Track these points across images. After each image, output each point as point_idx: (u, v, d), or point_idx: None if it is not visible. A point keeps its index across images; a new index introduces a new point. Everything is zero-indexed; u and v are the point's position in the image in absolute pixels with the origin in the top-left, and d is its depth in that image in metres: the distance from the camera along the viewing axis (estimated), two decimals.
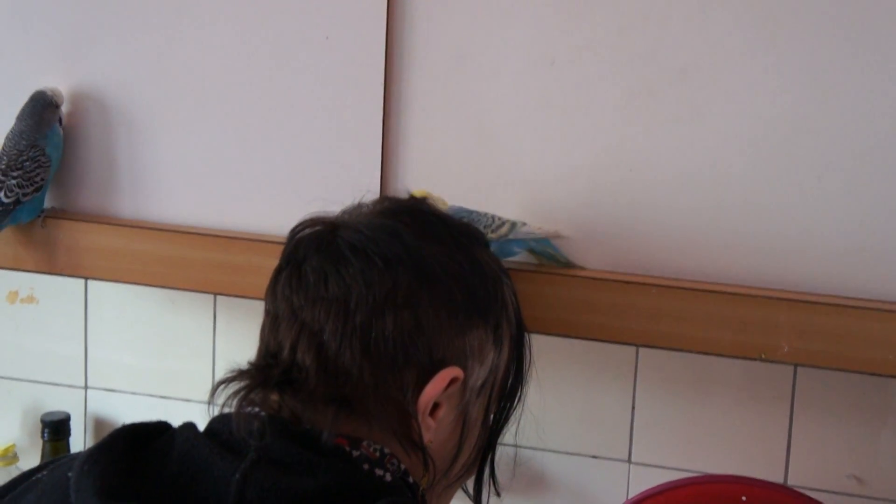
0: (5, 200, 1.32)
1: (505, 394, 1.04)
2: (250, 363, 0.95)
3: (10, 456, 1.64)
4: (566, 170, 1.24)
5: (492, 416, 1.03)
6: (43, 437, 1.65)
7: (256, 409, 0.89)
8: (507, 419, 1.05)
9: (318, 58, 1.29)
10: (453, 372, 0.94)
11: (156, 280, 1.35)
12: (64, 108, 1.36)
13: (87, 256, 1.37)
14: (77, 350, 1.73)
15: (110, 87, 1.36)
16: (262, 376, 0.90)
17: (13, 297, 1.74)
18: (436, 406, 0.95)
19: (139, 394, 1.70)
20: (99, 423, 1.73)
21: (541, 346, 1.26)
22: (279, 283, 0.95)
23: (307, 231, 0.97)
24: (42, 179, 1.33)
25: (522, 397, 1.06)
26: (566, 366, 1.48)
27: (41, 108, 1.33)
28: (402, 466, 0.93)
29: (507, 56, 1.24)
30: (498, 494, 1.08)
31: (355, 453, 0.89)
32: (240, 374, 0.92)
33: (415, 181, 1.28)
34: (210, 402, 0.91)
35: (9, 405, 1.76)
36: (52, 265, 1.38)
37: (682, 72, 1.20)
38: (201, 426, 0.93)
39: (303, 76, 1.30)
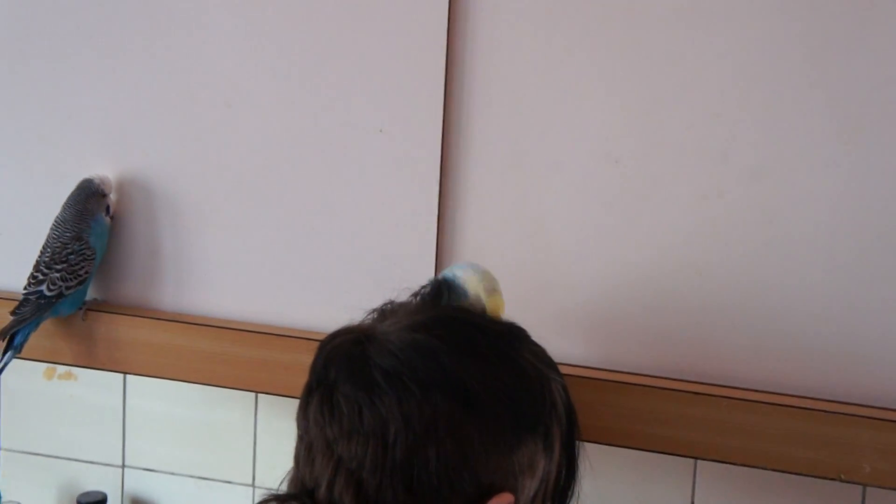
0: (48, 294, 1.26)
1: (559, 492, 0.96)
2: (286, 494, 0.89)
3: None
4: (629, 272, 1.17)
5: None
6: None
7: None
8: None
9: (372, 151, 1.23)
10: (504, 499, 0.87)
11: (197, 377, 1.30)
12: (112, 197, 1.30)
13: (128, 351, 1.31)
14: (115, 428, 1.67)
15: (157, 177, 1.30)
16: None
17: (51, 373, 1.68)
18: None
19: (178, 474, 1.64)
20: None
21: (593, 452, 1.20)
22: (311, 406, 0.88)
23: (337, 344, 0.90)
24: (86, 273, 1.27)
25: (576, 493, 0.98)
26: (619, 472, 1.40)
27: (85, 198, 1.27)
28: None
29: (569, 153, 1.18)
30: None
31: None
32: (277, 500, 0.87)
33: None
34: None
35: (45, 483, 1.70)
36: (91, 359, 1.32)
37: (755, 172, 1.13)
38: None
39: (356, 169, 1.24)
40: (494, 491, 0.87)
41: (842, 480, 1.09)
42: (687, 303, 1.17)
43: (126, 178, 1.32)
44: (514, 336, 0.95)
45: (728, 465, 1.21)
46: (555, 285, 1.20)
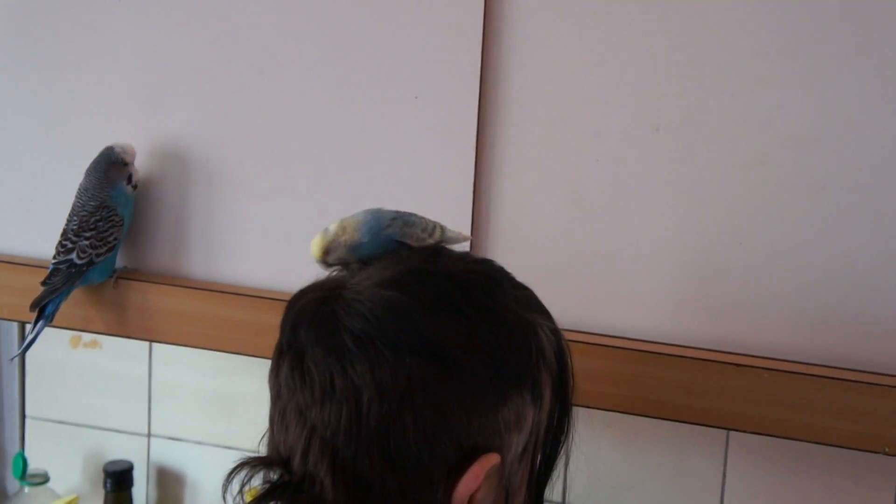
0: (78, 262, 1.23)
1: (551, 438, 0.91)
2: (262, 458, 0.85)
3: None
4: (668, 242, 1.14)
5: (536, 469, 0.91)
6: (105, 487, 1.59)
7: None
8: (553, 467, 0.93)
9: (406, 118, 1.19)
10: (489, 461, 0.83)
11: (228, 346, 1.27)
12: (139, 165, 1.27)
13: (158, 319, 1.29)
14: (140, 397, 1.65)
15: (187, 145, 1.27)
16: (274, 486, 0.82)
17: (76, 341, 1.66)
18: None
19: (204, 443, 1.62)
20: (162, 473, 1.66)
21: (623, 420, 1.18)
22: (282, 369, 0.84)
23: (305, 303, 0.85)
24: (115, 239, 1.25)
25: (570, 436, 0.93)
26: (652, 442, 1.38)
27: (106, 166, 1.24)
28: None
29: (608, 120, 1.14)
30: None
31: None
32: (251, 466, 0.83)
33: (505, 246, 1.19)
34: (224, 492, 0.83)
35: (70, 451, 1.69)
36: (121, 327, 1.30)
37: (799, 140, 1.10)
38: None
39: (390, 136, 1.20)
40: (479, 452, 0.82)
41: (886, 454, 1.06)
42: (728, 273, 1.14)
43: (156, 146, 1.29)
44: (493, 283, 0.87)
45: (761, 437, 1.19)
46: (593, 254, 1.17)
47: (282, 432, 0.84)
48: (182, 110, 1.26)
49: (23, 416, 1.71)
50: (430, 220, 0.96)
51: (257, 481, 0.85)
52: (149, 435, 1.66)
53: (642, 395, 1.13)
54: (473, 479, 0.82)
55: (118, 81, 1.28)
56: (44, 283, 1.25)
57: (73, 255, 1.23)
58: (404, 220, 0.93)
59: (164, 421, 1.66)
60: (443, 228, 0.97)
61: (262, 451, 0.88)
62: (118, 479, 1.59)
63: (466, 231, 1.19)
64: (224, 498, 0.83)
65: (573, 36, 1.13)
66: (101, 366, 1.67)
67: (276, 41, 1.22)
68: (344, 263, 0.91)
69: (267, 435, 0.88)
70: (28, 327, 1.61)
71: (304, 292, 0.87)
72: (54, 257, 1.25)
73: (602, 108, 1.14)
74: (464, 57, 1.16)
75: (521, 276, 1.13)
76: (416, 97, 1.18)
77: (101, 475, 1.60)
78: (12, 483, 1.72)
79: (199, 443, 1.62)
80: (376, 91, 1.20)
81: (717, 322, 1.14)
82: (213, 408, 1.62)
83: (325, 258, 0.91)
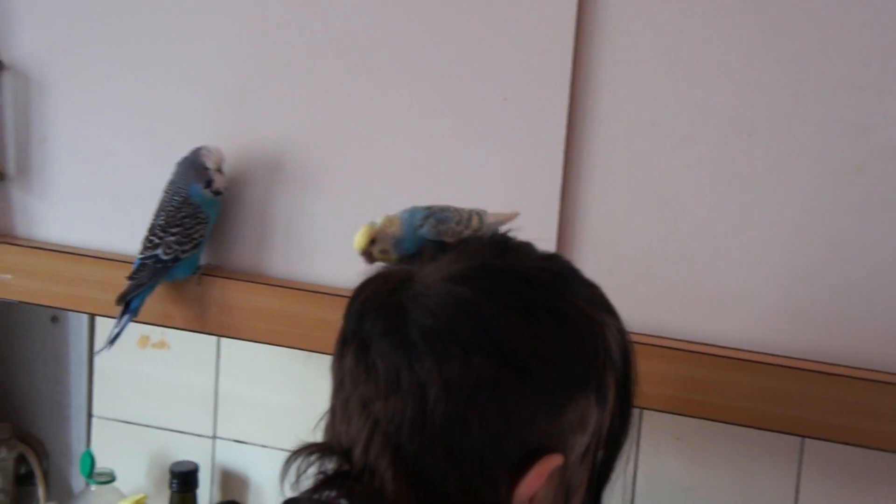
0: (164, 258, 1.23)
1: (612, 437, 0.90)
2: (322, 444, 0.85)
3: None
4: (759, 249, 1.12)
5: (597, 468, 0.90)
6: (171, 487, 1.59)
7: (332, 496, 0.80)
8: (613, 468, 0.91)
9: (495, 119, 1.18)
10: (552, 462, 0.81)
11: (310, 344, 1.26)
12: (218, 173, 1.26)
13: (239, 316, 1.27)
14: (207, 399, 1.65)
15: (273, 144, 1.27)
16: (334, 475, 0.81)
17: (145, 341, 1.66)
18: None
19: (269, 447, 1.61)
20: (226, 476, 1.66)
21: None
22: (346, 359, 0.83)
23: (372, 293, 0.84)
24: (200, 236, 1.24)
25: (630, 437, 0.91)
26: (720, 445, 1.36)
27: (190, 165, 1.24)
28: None
29: (699, 125, 1.13)
30: None
31: None
32: (310, 452, 0.83)
33: (591, 249, 1.17)
34: (283, 477, 0.82)
35: (136, 451, 1.68)
36: (202, 324, 1.29)
37: None
38: None
39: (478, 138, 1.19)
40: (542, 453, 0.81)
41: None
42: (818, 281, 1.12)
43: (242, 145, 1.29)
44: (562, 281, 0.85)
45: (836, 447, 1.17)
46: (681, 259, 1.16)
47: (344, 422, 0.83)
48: (269, 110, 1.26)
49: (89, 416, 1.70)
50: (465, 210, 0.95)
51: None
52: (214, 437, 1.66)
53: (728, 401, 1.12)
54: (536, 479, 0.81)
55: (206, 80, 1.28)
56: (130, 278, 1.24)
57: (160, 251, 1.23)
58: (437, 218, 0.92)
59: (230, 423, 1.65)
60: (481, 215, 0.96)
61: (319, 437, 0.87)
62: (184, 480, 1.58)
63: (552, 232, 1.17)
64: (282, 483, 0.83)
65: (666, 39, 1.12)
66: (169, 367, 1.66)
67: (365, 41, 1.21)
68: (387, 258, 0.90)
69: (326, 421, 0.87)
70: (98, 324, 1.62)
71: (370, 281, 0.86)
72: (141, 252, 1.25)
73: (693, 112, 1.13)
74: (555, 59, 1.15)
75: (606, 279, 1.11)
76: (504, 98, 1.17)
77: (167, 476, 1.60)
78: (78, 482, 1.72)
79: (264, 446, 1.61)
80: (465, 92, 1.19)
81: (804, 330, 1.12)
82: (277, 411, 1.61)
83: (371, 248, 0.90)
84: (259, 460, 1.63)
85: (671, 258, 1.16)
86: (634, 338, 1.08)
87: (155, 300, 1.29)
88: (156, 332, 1.66)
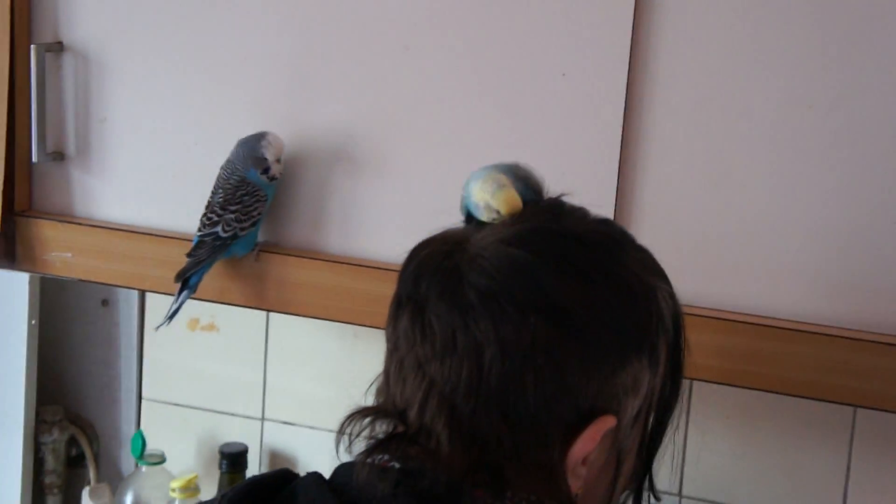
0: (223, 235, 1.24)
1: (664, 402, 0.90)
2: (377, 407, 0.85)
3: (193, 488, 1.57)
4: (820, 222, 1.12)
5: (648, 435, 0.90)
6: (221, 468, 1.60)
7: (384, 459, 0.81)
8: (664, 435, 0.91)
9: (553, 96, 1.18)
10: (606, 423, 0.81)
11: (367, 320, 1.26)
12: (275, 163, 1.26)
13: (297, 292, 1.28)
14: (255, 381, 1.66)
15: (330, 123, 1.27)
16: (390, 434, 0.82)
17: (194, 324, 1.67)
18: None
19: (317, 428, 1.62)
20: (275, 457, 1.66)
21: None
22: (400, 320, 0.83)
23: (427, 255, 0.85)
24: (258, 214, 1.25)
25: (680, 402, 0.91)
26: (772, 417, 1.37)
27: (250, 149, 1.25)
28: None
29: (759, 97, 1.13)
30: (658, 499, 0.95)
31: None
32: (364, 414, 0.83)
33: (650, 223, 1.17)
34: (338, 442, 0.83)
35: (185, 433, 1.69)
36: (259, 300, 1.30)
37: None
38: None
39: (536, 114, 1.19)
40: (596, 415, 0.81)
41: None
42: (876, 254, 1.12)
43: (297, 124, 1.29)
44: (616, 245, 0.86)
45: (888, 418, 1.17)
46: (738, 232, 1.15)
47: (398, 384, 0.84)
48: (326, 89, 1.26)
49: (139, 399, 1.71)
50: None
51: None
52: (262, 419, 1.66)
53: (784, 373, 1.12)
54: (590, 440, 0.81)
55: (263, 60, 1.28)
56: (189, 255, 1.25)
57: (219, 229, 1.24)
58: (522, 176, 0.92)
59: (278, 405, 1.66)
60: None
61: (370, 402, 0.88)
62: (234, 461, 1.59)
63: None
64: (337, 447, 0.83)
65: (723, 12, 1.12)
66: (218, 349, 1.67)
67: (423, 19, 1.21)
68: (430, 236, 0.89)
69: (378, 384, 0.88)
70: (148, 308, 1.63)
71: (425, 244, 0.87)
72: (199, 230, 1.26)
73: (752, 84, 1.12)
74: (613, 33, 1.15)
75: (664, 251, 1.11)
76: (563, 74, 1.17)
77: (216, 457, 1.61)
78: (127, 464, 1.73)
79: (312, 427, 1.62)
80: (524, 69, 1.19)
81: (869, 302, 1.12)
82: (325, 393, 1.61)
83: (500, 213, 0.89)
84: (307, 442, 1.64)
85: (728, 231, 1.16)
86: (692, 310, 1.09)
87: (211, 277, 1.30)
88: (205, 315, 1.67)
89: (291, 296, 1.28)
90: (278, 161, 1.25)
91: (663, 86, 1.16)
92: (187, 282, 1.27)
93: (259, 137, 1.24)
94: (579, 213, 0.90)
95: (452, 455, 0.80)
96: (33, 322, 1.65)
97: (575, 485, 0.83)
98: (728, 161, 1.15)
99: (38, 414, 1.69)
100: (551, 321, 0.80)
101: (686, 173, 1.17)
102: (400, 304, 0.85)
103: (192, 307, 1.63)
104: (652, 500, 0.95)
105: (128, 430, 1.74)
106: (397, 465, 0.81)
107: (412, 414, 0.82)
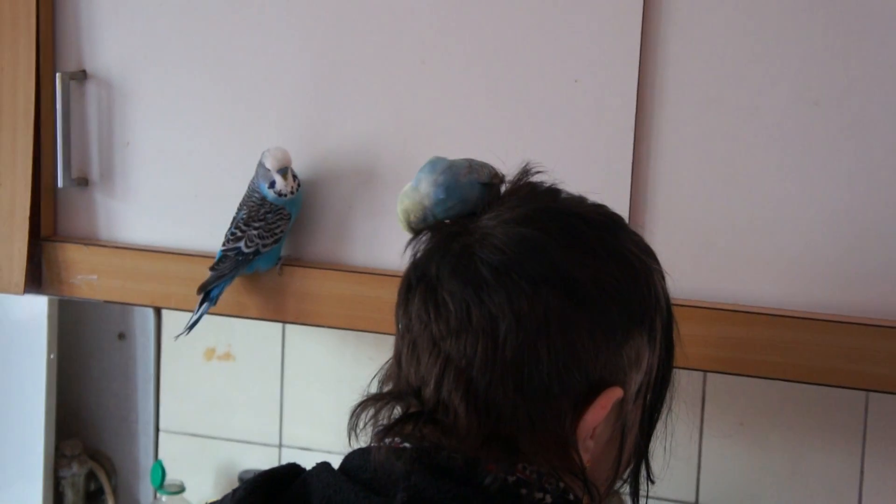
0: (245, 250, 1.24)
1: (658, 383, 0.91)
2: (389, 391, 0.86)
3: None
4: (829, 216, 1.14)
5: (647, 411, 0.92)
6: None
7: (398, 441, 0.82)
8: (658, 415, 0.93)
9: (566, 101, 1.20)
10: (614, 394, 0.83)
11: (391, 328, 1.26)
12: (302, 164, 1.28)
13: (318, 303, 1.28)
14: (272, 408, 1.65)
15: (349, 138, 1.28)
16: (405, 413, 0.82)
17: (210, 353, 1.67)
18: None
19: (335, 452, 1.61)
20: None
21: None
22: (412, 303, 0.84)
23: (433, 241, 0.87)
24: (281, 231, 1.26)
25: (674, 379, 0.93)
26: (777, 409, 1.39)
27: (258, 167, 1.26)
28: (561, 485, 0.82)
29: (766, 95, 1.15)
30: (653, 482, 0.95)
31: (510, 478, 0.80)
32: (376, 400, 0.84)
33: (664, 224, 1.18)
34: (350, 429, 0.84)
35: (203, 463, 1.69)
36: (280, 313, 1.30)
37: None
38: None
39: (552, 119, 1.21)
40: (604, 386, 0.83)
41: None
42: (890, 244, 1.13)
43: (318, 142, 1.30)
44: (616, 225, 0.88)
45: None
46: (753, 229, 1.17)
47: (412, 364, 0.84)
48: (345, 105, 1.28)
49: (157, 430, 1.71)
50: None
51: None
52: (280, 445, 1.66)
53: (800, 361, 1.13)
54: (601, 410, 0.82)
55: (283, 80, 1.30)
56: (212, 269, 1.26)
57: (242, 244, 1.25)
58: (472, 165, 0.92)
59: (295, 431, 1.66)
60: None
61: (372, 392, 0.88)
62: None
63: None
64: (350, 438, 0.85)
65: (728, 14, 1.14)
66: (234, 378, 1.67)
67: (438, 31, 1.23)
68: (428, 226, 0.90)
69: (387, 373, 0.89)
70: (164, 341, 1.63)
71: (426, 234, 0.89)
72: (223, 244, 1.26)
73: (760, 83, 1.15)
74: (624, 40, 1.17)
75: (679, 251, 1.14)
76: (576, 80, 1.19)
77: (235, 485, 1.59)
78: (146, 496, 1.72)
79: (329, 452, 1.61)
80: (538, 76, 1.21)
81: (876, 290, 1.13)
82: (342, 417, 1.60)
83: (409, 222, 0.90)
84: None
85: (741, 227, 1.17)
86: (707, 305, 1.11)
87: (231, 292, 1.30)
88: (221, 344, 1.67)
89: (311, 307, 1.29)
90: (285, 176, 1.25)
91: (672, 88, 1.18)
92: (209, 294, 1.27)
93: (263, 154, 1.25)
94: (577, 198, 0.92)
95: (470, 427, 0.81)
96: (52, 356, 1.65)
97: (584, 457, 0.84)
98: (738, 159, 1.17)
99: (57, 448, 1.68)
100: (563, 293, 0.81)
101: (697, 172, 1.18)
102: (410, 286, 0.86)
103: (207, 337, 1.64)
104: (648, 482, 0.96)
105: (146, 462, 1.73)
106: (408, 446, 0.82)
107: (428, 391, 0.82)
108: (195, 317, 1.27)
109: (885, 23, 1.11)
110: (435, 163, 0.92)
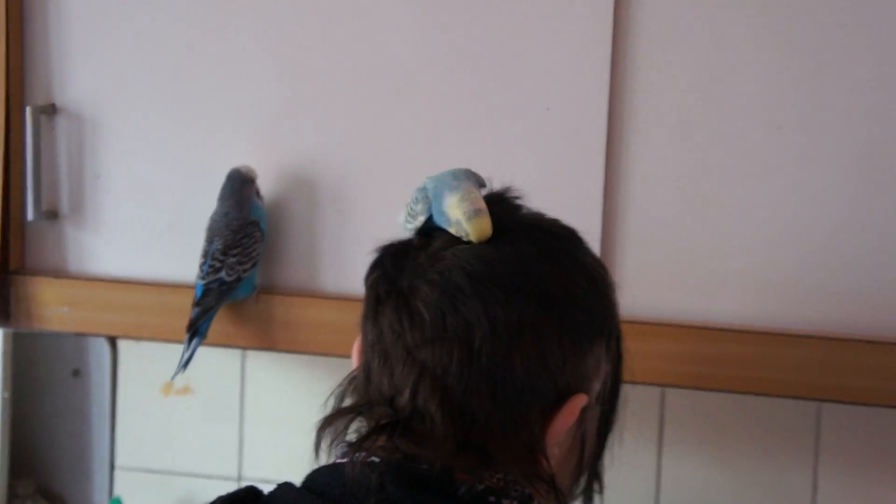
0: (227, 279, 1.24)
1: (611, 394, 0.94)
2: (356, 404, 0.87)
3: None
4: (796, 236, 1.18)
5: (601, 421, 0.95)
6: None
7: (363, 457, 0.82)
8: (614, 418, 0.96)
9: (537, 129, 1.23)
10: (581, 401, 0.85)
11: None
12: (267, 185, 1.28)
13: (305, 331, 1.28)
14: (231, 440, 1.64)
15: (315, 163, 1.29)
16: (377, 425, 0.82)
17: (168, 388, 1.65)
18: None
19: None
20: None
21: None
22: (382, 315, 0.85)
23: (396, 254, 0.89)
24: (258, 254, 1.26)
25: (621, 397, 0.96)
26: (735, 423, 1.42)
27: (240, 185, 1.26)
28: (527, 491, 0.83)
29: (731, 122, 1.19)
30: (600, 493, 0.97)
31: (479, 486, 0.80)
32: (342, 414, 0.85)
33: (636, 251, 1.22)
34: (317, 447, 0.85)
35: (162, 499, 1.66)
36: (268, 341, 1.29)
37: None
38: None
39: (521, 148, 1.24)
40: (570, 393, 0.85)
41: None
42: (856, 262, 1.18)
43: (284, 165, 1.30)
44: (576, 238, 0.91)
45: (852, 411, 1.26)
46: (721, 252, 1.21)
47: (384, 374, 0.85)
48: (312, 135, 1.28)
49: (111, 468, 1.68)
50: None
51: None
52: (239, 479, 1.64)
53: (762, 374, 1.18)
54: (570, 416, 0.85)
55: (252, 111, 1.29)
56: (197, 304, 1.25)
57: (223, 274, 1.24)
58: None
59: (255, 464, 1.64)
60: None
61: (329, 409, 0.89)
62: None
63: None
64: (317, 451, 0.85)
65: (697, 41, 1.18)
66: (193, 412, 1.65)
67: (408, 58, 1.24)
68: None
69: (353, 385, 0.89)
70: (120, 376, 1.61)
71: (388, 247, 0.90)
72: (203, 278, 1.25)
73: (726, 111, 1.19)
74: (594, 69, 1.20)
75: (651, 272, 1.17)
76: (547, 108, 1.22)
77: None
78: None
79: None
80: (509, 104, 1.24)
81: (843, 308, 1.18)
82: (302, 449, 1.60)
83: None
84: None
85: (710, 249, 1.21)
86: (679, 323, 1.16)
87: (217, 321, 1.29)
88: (179, 378, 1.65)
89: (298, 335, 1.29)
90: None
91: (642, 115, 1.22)
92: (198, 329, 1.26)
93: (236, 171, 1.26)
94: (535, 213, 0.95)
95: (446, 434, 0.81)
96: (6, 395, 1.61)
97: (552, 465, 0.86)
98: (704, 183, 1.21)
99: (10, 487, 1.64)
100: (535, 302, 0.83)
101: (665, 196, 1.22)
102: (379, 299, 0.87)
103: (166, 372, 1.62)
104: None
105: (100, 500, 1.69)
106: (376, 460, 0.81)
107: (402, 400, 0.82)
108: (187, 354, 1.27)
109: (842, 50, 1.17)
110: (463, 177, 0.94)
